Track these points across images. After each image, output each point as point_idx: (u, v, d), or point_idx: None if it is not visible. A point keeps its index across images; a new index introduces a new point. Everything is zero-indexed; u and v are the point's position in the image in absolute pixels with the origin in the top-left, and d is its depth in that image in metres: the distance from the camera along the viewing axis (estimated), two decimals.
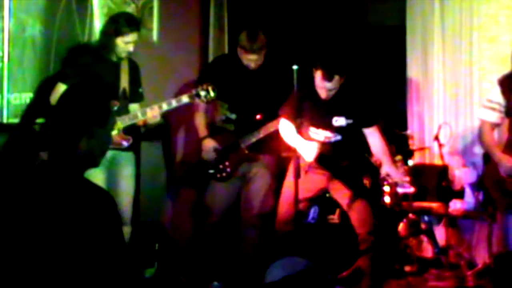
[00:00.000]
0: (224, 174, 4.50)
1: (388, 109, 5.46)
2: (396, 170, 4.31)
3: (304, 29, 5.78)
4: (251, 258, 4.56)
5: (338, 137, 4.23)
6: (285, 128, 4.24)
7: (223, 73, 4.50)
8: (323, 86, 4.07)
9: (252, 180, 4.57)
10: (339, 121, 4.20)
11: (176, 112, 4.88)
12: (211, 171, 4.51)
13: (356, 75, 4.25)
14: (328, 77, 4.02)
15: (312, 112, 4.19)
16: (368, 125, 4.24)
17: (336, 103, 4.16)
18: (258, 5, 5.69)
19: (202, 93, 4.12)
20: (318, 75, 4.06)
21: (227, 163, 4.49)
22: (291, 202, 4.10)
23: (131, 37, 4.05)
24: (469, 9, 5.46)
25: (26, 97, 4.00)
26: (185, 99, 4.12)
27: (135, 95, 4.22)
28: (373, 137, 4.26)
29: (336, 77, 4.03)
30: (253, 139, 4.46)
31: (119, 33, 4.02)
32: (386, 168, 4.26)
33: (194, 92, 4.12)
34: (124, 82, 4.12)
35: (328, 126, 4.21)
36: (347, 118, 4.19)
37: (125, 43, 4.04)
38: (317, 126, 4.21)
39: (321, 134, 4.23)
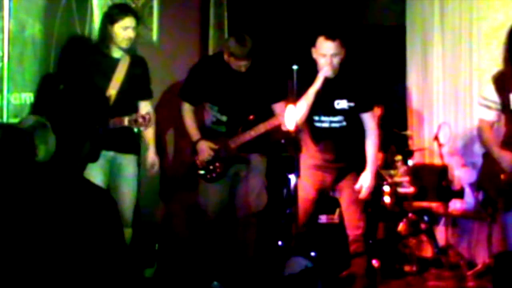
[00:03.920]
0: (214, 175, 4.50)
1: (387, 107, 5.47)
2: (369, 179, 4.19)
3: (303, 29, 5.78)
4: (249, 256, 4.57)
5: (343, 123, 4.20)
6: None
7: (211, 75, 4.46)
8: (327, 48, 4.04)
9: (246, 179, 4.57)
10: (340, 103, 4.18)
11: (164, 113, 4.87)
12: (201, 172, 4.51)
13: (356, 60, 4.26)
14: (331, 36, 4.03)
15: (314, 96, 4.16)
16: (366, 109, 4.23)
17: (337, 86, 4.14)
18: (257, 5, 5.69)
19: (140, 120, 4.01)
20: (320, 41, 4.07)
21: (217, 164, 4.48)
22: (308, 202, 4.18)
23: (128, 21, 4.01)
24: (469, 9, 5.47)
25: (26, 97, 3.99)
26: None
27: (144, 92, 4.21)
28: (369, 126, 4.22)
29: (338, 41, 4.04)
30: (244, 140, 4.45)
31: (114, 20, 4.00)
32: (364, 173, 4.20)
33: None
34: (112, 89, 4.02)
35: (330, 109, 4.19)
36: (348, 101, 4.18)
37: (123, 29, 4.01)
38: (319, 110, 4.18)
39: (326, 121, 4.21)
